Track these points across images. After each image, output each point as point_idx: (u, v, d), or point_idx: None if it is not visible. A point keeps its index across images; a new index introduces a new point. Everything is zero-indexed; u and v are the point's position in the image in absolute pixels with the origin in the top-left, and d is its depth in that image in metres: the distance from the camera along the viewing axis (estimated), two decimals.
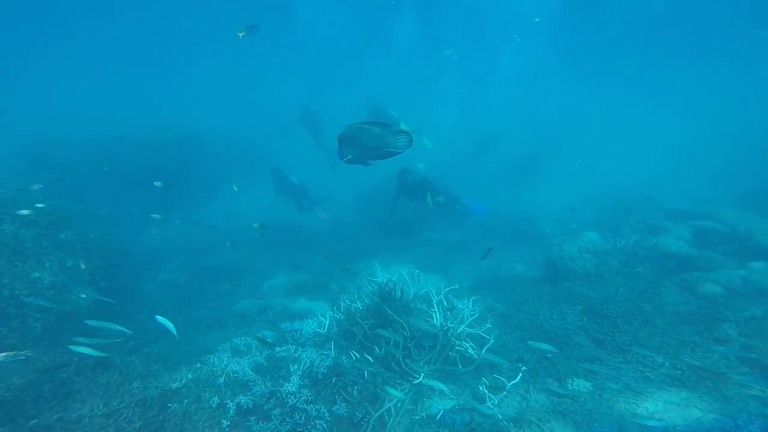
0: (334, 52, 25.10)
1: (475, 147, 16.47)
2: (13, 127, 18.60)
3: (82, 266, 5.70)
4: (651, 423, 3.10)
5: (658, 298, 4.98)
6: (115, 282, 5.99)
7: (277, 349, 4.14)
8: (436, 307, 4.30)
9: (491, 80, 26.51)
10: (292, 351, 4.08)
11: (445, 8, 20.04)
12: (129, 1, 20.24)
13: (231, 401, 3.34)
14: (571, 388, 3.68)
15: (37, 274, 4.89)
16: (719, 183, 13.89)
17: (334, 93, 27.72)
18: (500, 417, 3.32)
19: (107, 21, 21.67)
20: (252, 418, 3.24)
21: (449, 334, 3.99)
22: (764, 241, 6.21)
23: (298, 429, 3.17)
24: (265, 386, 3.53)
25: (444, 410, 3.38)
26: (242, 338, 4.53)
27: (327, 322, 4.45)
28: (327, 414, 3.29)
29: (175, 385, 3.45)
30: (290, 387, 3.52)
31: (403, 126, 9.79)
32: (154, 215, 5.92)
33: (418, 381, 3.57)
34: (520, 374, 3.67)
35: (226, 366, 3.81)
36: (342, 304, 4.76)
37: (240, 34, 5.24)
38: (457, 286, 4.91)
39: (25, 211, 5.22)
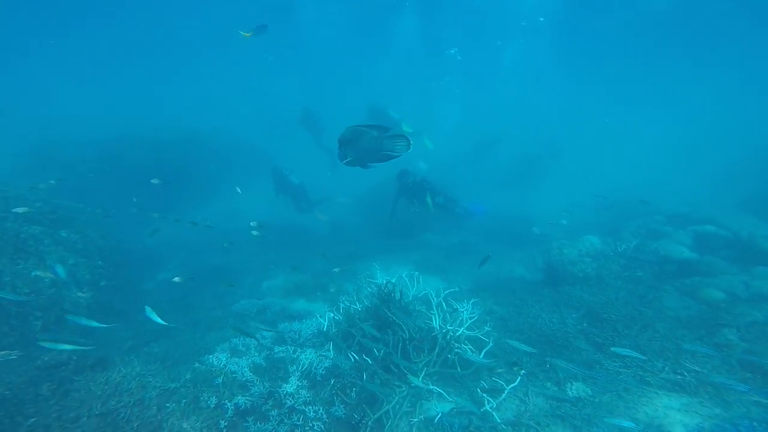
0: (336, 51, 25.17)
1: (475, 149, 16.49)
2: (14, 127, 18.72)
3: (83, 265, 5.72)
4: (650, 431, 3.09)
5: (658, 303, 4.97)
6: (115, 281, 6.01)
7: (276, 349, 4.14)
8: (435, 309, 4.29)
9: (493, 80, 26.55)
10: (291, 352, 4.08)
11: (447, 8, 20.09)
12: (129, 1, 20.36)
13: (229, 401, 3.33)
14: (570, 392, 3.66)
15: (38, 273, 4.90)
16: (718, 187, 13.86)
17: (335, 92, 27.77)
18: (498, 420, 3.31)
19: (107, 21, 21.80)
20: (250, 419, 3.24)
21: (448, 337, 3.98)
22: (767, 246, 6.19)
23: (296, 430, 3.17)
24: (264, 387, 3.53)
25: (442, 413, 3.37)
26: (241, 338, 4.53)
27: (326, 323, 4.45)
28: (325, 415, 3.29)
29: (173, 385, 3.45)
30: (288, 388, 3.52)
31: (404, 127, 9.81)
32: (153, 214, 5.95)
33: (416, 383, 3.56)
34: (519, 378, 3.66)
35: (225, 366, 3.81)
36: (341, 306, 4.76)
37: (246, 35, 5.24)
38: (457, 289, 4.90)
39: (21, 209, 5.25)
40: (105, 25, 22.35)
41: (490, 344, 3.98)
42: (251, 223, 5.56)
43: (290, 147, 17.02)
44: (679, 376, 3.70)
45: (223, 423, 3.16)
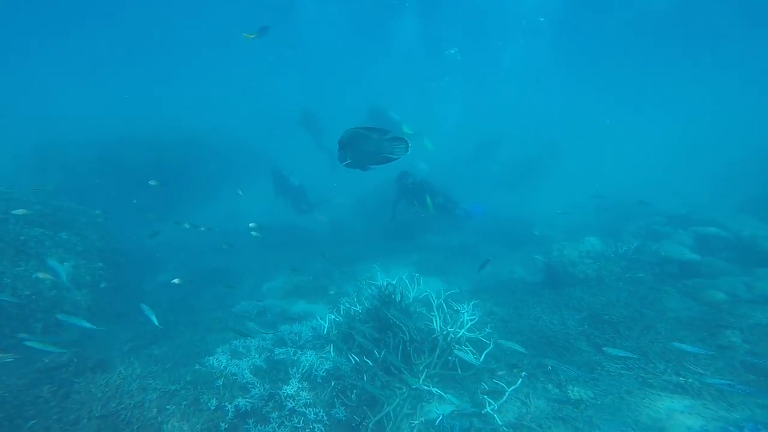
0: (336, 51, 25.19)
1: (476, 151, 16.50)
2: (14, 128, 18.76)
3: (83, 267, 5.72)
4: None
5: (659, 304, 4.95)
6: (115, 282, 6.01)
7: (276, 351, 4.13)
8: (435, 311, 4.28)
9: (493, 81, 26.56)
10: (291, 353, 4.07)
11: (447, 8, 20.12)
12: (129, 1, 20.41)
13: (229, 403, 3.33)
14: (571, 394, 3.65)
15: (38, 275, 4.90)
16: (719, 188, 13.83)
17: (335, 93, 27.81)
18: (500, 422, 3.29)
19: (107, 20, 21.85)
20: (250, 421, 3.23)
21: (449, 339, 3.97)
22: None
23: None
24: (264, 389, 3.52)
25: (443, 415, 3.36)
26: (241, 340, 4.52)
27: (326, 325, 4.45)
28: (325, 417, 3.28)
29: (173, 387, 3.45)
30: (289, 390, 3.51)
31: (405, 128, 9.82)
32: (149, 215, 5.95)
33: (417, 385, 3.55)
34: (520, 380, 3.64)
35: (225, 368, 3.80)
36: (342, 307, 4.75)
37: (249, 37, 5.25)
38: (457, 290, 4.90)
39: (20, 211, 5.25)
40: (105, 25, 22.42)
41: (491, 346, 3.97)
42: (250, 225, 5.56)
43: (290, 147, 17.03)
44: (681, 378, 3.69)
45: (223, 425, 3.15)
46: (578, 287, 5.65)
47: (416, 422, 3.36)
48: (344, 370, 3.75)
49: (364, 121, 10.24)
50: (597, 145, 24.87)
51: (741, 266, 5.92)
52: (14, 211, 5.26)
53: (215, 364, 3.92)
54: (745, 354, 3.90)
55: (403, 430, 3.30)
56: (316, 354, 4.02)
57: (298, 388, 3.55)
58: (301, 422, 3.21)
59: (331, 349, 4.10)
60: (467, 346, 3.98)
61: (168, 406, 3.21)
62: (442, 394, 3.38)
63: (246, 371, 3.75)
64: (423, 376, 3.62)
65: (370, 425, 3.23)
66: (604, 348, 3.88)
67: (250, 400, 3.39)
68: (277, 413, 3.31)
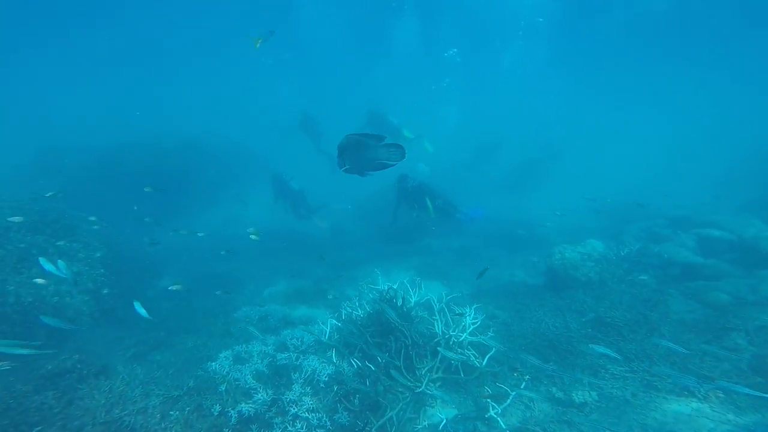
0: (335, 54, 25.36)
1: (476, 154, 16.55)
2: (14, 134, 18.90)
3: (85, 273, 5.74)
4: None
5: (663, 307, 4.93)
6: (117, 288, 6.01)
7: (279, 356, 4.12)
8: (437, 314, 4.28)
9: (493, 82, 26.67)
10: (294, 359, 4.06)
11: (445, 10, 20.28)
12: (129, 3, 20.64)
13: (232, 409, 3.32)
14: (576, 397, 3.62)
15: (37, 280, 4.92)
16: (721, 189, 13.82)
17: (334, 96, 27.95)
18: (504, 426, 3.27)
19: (106, 22, 22.04)
20: (253, 427, 3.22)
21: (451, 342, 3.96)
22: None
23: None
24: (267, 394, 3.51)
25: (446, 419, 3.34)
26: (243, 345, 4.51)
27: (328, 330, 4.44)
28: (328, 422, 3.27)
29: (176, 393, 3.44)
30: (292, 395, 3.50)
31: (405, 133, 9.86)
32: (147, 219, 5.98)
33: (420, 389, 3.53)
34: (524, 383, 3.63)
35: (228, 373, 3.79)
36: (343, 312, 4.75)
37: (257, 41, 5.28)
38: (459, 294, 4.89)
39: (16, 218, 5.29)
40: (102, 29, 22.64)
41: (493, 350, 3.96)
42: (248, 230, 5.58)
43: (289, 151, 17.09)
44: (704, 384, 3.64)
45: (226, 431, 3.14)
46: (580, 290, 5.64)
47: (419, 426, 3.35)
48: (347, 375, 3.74)
49: (363, 125, 10.29)
50: (597, 147, 24.90)
51: (744, 268, 5.89)
52: (11, 218, 5.29)
53: (218, 370, 3.91)
54: (752, 356, 3.87)
55: None
56: (318, 359, 4.01)
57: (301, 393, 3.54)
58: (304, 427, 3.20)
59: (333, 353, 4.09)
60: (470, 350, 3.97)
61: (171, 412, 3.21)
62: (446, 398, 3.36)
63: (249, 376, 3.75)
64: (426, 381, 3.61)
65: (373, 430, 3.21)
66: (589, 344, 3.87)
67: (253, 406, 3.38)
68: (280, 418, 3.30)
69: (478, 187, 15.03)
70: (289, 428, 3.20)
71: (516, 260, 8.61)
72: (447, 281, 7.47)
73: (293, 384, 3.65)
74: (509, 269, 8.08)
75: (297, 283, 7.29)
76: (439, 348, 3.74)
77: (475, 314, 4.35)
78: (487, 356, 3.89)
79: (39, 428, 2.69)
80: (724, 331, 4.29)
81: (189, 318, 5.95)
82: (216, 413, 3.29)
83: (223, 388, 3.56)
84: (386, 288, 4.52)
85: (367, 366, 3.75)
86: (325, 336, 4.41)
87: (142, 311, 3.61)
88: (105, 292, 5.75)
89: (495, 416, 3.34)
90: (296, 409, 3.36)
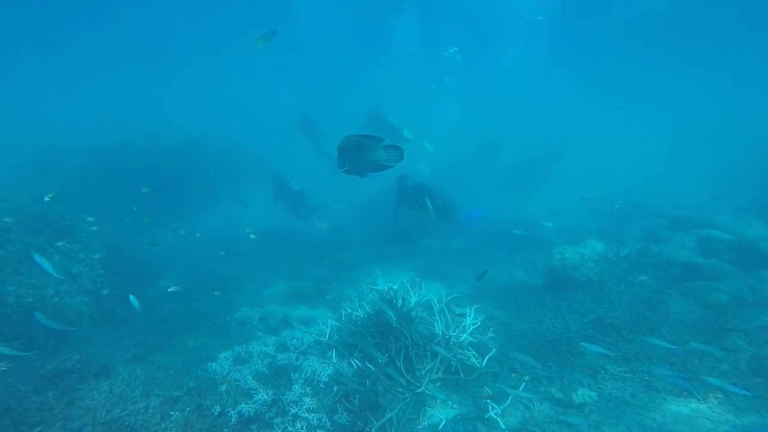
0: (334, 53, 25.35)
1: (475, 155, 16.56)
2: (14, 135, 18.90)
3: (85, 274, 5.75)
4: None
5: (663, 307, 4.93)
6: (117, 289, 6.02)
7: (279, 356, 4.13)
8: (437, 315, 4.28)
9: (493, 81, 26.64)
10: (294, 359, 4.07)
11: (445, 9, 20.27)
12: (129, 3, 20.64)
13: (233, 409, 3.32)
14: (575, 398, 3.62)
15: (33, 281, 4.93)
16: (721, 189, 13.82)
17: (334, 95, 27.93)
18: (503, 427, 3.27)
19: (105, 22, 22.07)
20: (254, 427, 3.22)
21: (451, 343, 3.97)
22: None
23: None
24: (267, 394, 3.51)
25: (446, 420, 3.35)
26: (243, 346, 4.52)
27: (328, 330, 4.44)
28: (328, 423, 3.27)
29: (176, 393, 3.45)
30: (292, 395, 3.51)
31: (405, 133, 9.87)
32: (146, 220, 6.00)
33: (420, 390, 3.54)
34: (523, 383, 3.63)
35: (228, 374, 3.80)
36: (344, 312, 4.75)
37: (259, 42, 5.30)
38: (459, 294, 4.89)
39: (8, 219, 5.30)
40: (103, 29, 22.67)
41: (493, 350, 3.96)
42: (247, 230, 5.59)
43: (289, 151, 17.09)
44: (687, 382, 3.66)
45: (226, 431, 3.14)
46: (580, 290, 5.64)
47: (419, 427, 3.35)
48: (347, 375, 3.74)
49: (362, 126, 10.30)
50: (597, 147, 24.88)
51: (744, 268, 5.89)
52: (6, 218, 5.30)
53: (218, 370, 3.92)
54: (751, 357, 3.87)
55: None
56: (318, 359, 4.02)
57: (301, 393, 3.54)
58: (304, 428, 3.21)
59: (334, 354, 4.10)
60: (470, 350, 3.97)
61: (171, 413, 3.21)
62: (445, 398, 3.37)
63: (249, 377, 3.75)
64: (426, 381, 3.61)
65: (373, 430, 3.21)
66: (581, 343, 3.88)
67: (253, 406, 3.39)
68: (280, 419, 3.30)
69: (478, 187, 15.04)
70: (289, 428, 3.20)
71: (516, 261, 8.62)
72: (447, 282, 7.47)
73: (293, 384, 3.65)
74: (509, 270, 8.09)
75: (297, 284, 7.30)
76: (434, 346, 3.74)
77: (475, 315, 4.36)
78: (487, 357, 3.90)
79: (39, 428, 2.70)
80: (723, 332, 4.29)
81: (189, 318, 5.96)
82: (216, 413, 3.29)
83: (224, 389, 3.56)
84: (386, 288, 4.53)
85: (367, 366, 3.76)
86: (325, 336, 4.41)
87: (136, 304, 3.63)
88: (105, 292, 5.76)
89: (495, 417, 3.34)
90: (296, 410, 3.36)
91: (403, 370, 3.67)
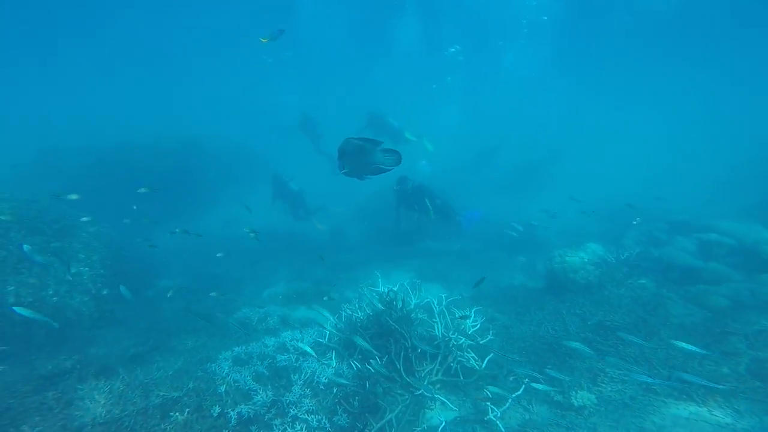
0: (336, 53, 25.34)
1: (476, 158, 16.59)
2: (14, 135, 18.91)
3: (85, 274, 5.75)
4: None
5: (663, 311, 4.93)
6: (116, 289, 6.01)
7: (279, 357, 4.13)
8: (437, 317, 4.28)
9: (495, 81, 26.65)
10: (293, 360, 4.07)
11: (447, 9, 20.29)
12: (129, 3, 20.68)
13: (232, 410, 3.32)
14: (574, 400, 3.62)
15: (30, 280, 4.93)
16: (722, 193, 13.83)
17: (335, 95, 27.93)
18: (503, 429, 3.27)
19: (106, 22, 22.11)
20: (253, 428, 3.22)
21: (451, 345, 3.97)
22: None
23: None
24: (267, 395, 3.51)
25: (446, 422, 3.34)
26: (243, 347, 4.52)
27: (327, 332, 4.44)
28: (328, 424, 3.27)
29: (176, 394, 3.45)
30: (291, 397, 3.51)
31: (407, 135, 9.90)
32: (144, 220, 6.01)
33: (420, 392, 3.54)
34: (523, 386, 3.63)
35: (228, 375, 3.80)
36: (343, 314, 4.75)
37: (264, 41, 5.33)
38: (458, 297, 4.89)
39: (8, 218, 5.31)
40: (103, 29, 22.71)
41: (491, 354, 3.96)
42: (245, 229, 5.60)
43: (290, 152, 17.11)
44: (686, 385, 3.65)
45: None
46: (580, 293, 5.64)
47: (418, 429, 3.35)
48: (346, 377, 3.74)
49: (362, 127, 10.32)
50: (599, 148, 24.86)
51: (745, 272, 5.90)
52: (6, 218, 5.31)
53: (218, 371, 3.92)
54: (751, 361, 3.87)
55: None
56: (318, 360, 4.02)
57: (301, 394, 3.54)
58: (303, 429, 3.21)
59: (333, 355, 4.10)
60: (469, 353, 3.97)
61: (171, 413, 3.21)
62: (445, 400, 3.37)
63: (248, 378, 3.75)
64: (425, 383, 3.61)
65: None
66: (563, 341, 3.89)
67: (252, 407, 3.39)
68: (279, 420, 3.30)
69: (479, 189, 15.05)
70: (289, 430, 3.20)
71: (516, 263, 8.61)
72: (447, 284, 7.47)
73: (293, 385, 3.65)
74: (509, 272, 8.09)
75: (297, 285, 7.30)
76: (413, 340, 3.74)
77: (474, 317, 4.36)
78: (486, 359, 3.90)
79: (39, 429, 2.70)
80: (723, 335, 4.29)
81: (189, 319, 5.95)
82: (216, 414, 3.29)
83: (223, 389, 3.56)
84: (386, 290, 4.53)
85: (367, 368, 3.76)
86: (324, 338, 4.41)
87: (127, 294, 3.64)
88: (105, 292, 5.76)
89: (494, 419, 3.34)
90: (296, 411, 3.36)
91: (403, 372, 3.67)
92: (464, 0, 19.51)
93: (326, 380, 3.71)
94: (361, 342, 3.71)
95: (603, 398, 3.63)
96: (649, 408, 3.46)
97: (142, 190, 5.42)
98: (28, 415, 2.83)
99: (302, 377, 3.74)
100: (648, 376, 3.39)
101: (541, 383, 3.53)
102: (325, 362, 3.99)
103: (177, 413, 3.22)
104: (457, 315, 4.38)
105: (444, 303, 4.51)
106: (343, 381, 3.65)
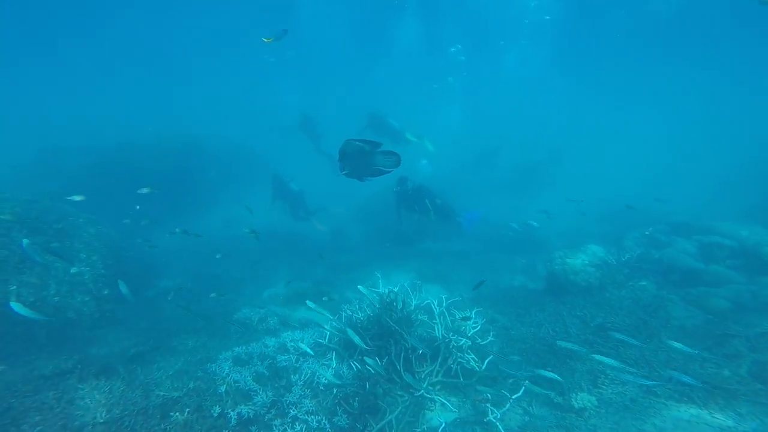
0: (337, 52, 25.33)
1: (476, 159, 16.60)
2: (14, 135, 18.93)
3: (86, 274, 5.76)
4: None
5: (663, 312, 4.92)
6: (117, 289, 6.01)
7: (279, 358, 4.13)
8: (437, 318, 4.28)
9: (496, 81, 26.62)
10: (294, 361, 4.07)
11: (448, 9, 20.28)
12: (129, 3, 20.69)
13: (232, 411, 3.32)
14: (574, 402, 3.62)
15: (30, 279, 4.93)
16: (723, 194, 13.80)
17: (336, 95, 27.91)
18: (503, 431, 3.27)
19: (106, 22, 22.11)
20: (253, 428, 3.22)
21: (451, 346, 3.97)
22: None
23: None
24: (267, 396, 3.52)
25: (445, 423, 3.34)
26: (243, 347, 4.52)
27: (328, 333, 4.44)
28: (328, 425, 3.27)
29: (176, 394, 3.45)
30: (291, 397, 3.51)
31: (408, 136, 9.90)
32: (143, 221, 6.01)
33: (420, 393, 3.54)
34: (523, 388, 3.62)
35: (228, 375, 3.80)
36: (343, 315, 4.75)
37: (267, 40, 5.34)
38: (459, 298, 4.89)
39: (9, 219, 5.32)
40: (103, 29, 22.72)
41: (491, 355, 3.96)
42: (245, 230, 5.60)
43: (290, 152, 17.11)
44: (687, 387, 3.65)
45: None
46: (581, 295, 5.64)
47: (418, 430, 3.35)
48: (346, 377, 3.74)
49: (363, 128, 10.33)
50: (600, 149, 24.83)
51: (746, 274, 5.88)
52: (7, 218, 5.31)
53: (218, 371, 3.92)
54: (752, 363, 3.86)
55: None
56: (318, 361, 4.02)
57: (301, 395, 3.54)
58: (303, 430, 3.21)
59: (333, 356, 4.10)
60: (470, 354, 3.97)
61: (171, 413, 3.21)
62: (445, 401, 3.36)
63: (249, 378, 3.75)
64: (425, 384, 3.61)
65: None
66: (557, 341, 3.89)
67: (252, 408, 3.39)
68: (279, 420, 3.30)
69: (480, 189, 15.04)
70: (289, 430, 3.20)
71: (516, 264, 8.61)
72: (447, 285, 7.47)
73: (293, 386, 3.65)
74: (509, 273, 8.08)
75: (297, 285, 7.29)
76: (405, 335, 3.74)
77: (475, 318, 4.36)
78: (486, 360, 3.90)
79: (40, 428, 2.70)
80: (724, 338, 4.28)
81: (189, 319, 5.95)
82: (216, 414, 3.29)
83: (223, 390, 3.56)
84: (386, 291, 4.53)
85: (367, 369, 3.75)
86: (325, 338, 4.41)
87: (125, 290, 3.64)
88: (105, 292, 5.77)
89: (494, 421, 3.34)
90: (296, 411, 3.36)
91: (403, 373, 3.67)
92: (465, 0, 19.50)
93: (326, 381, 3.71)
94: (352, 334, 3.71)
95: (603, 400, 3.63)
96: (650, 410, 3.45)
97: (144, 190, 5.42)
98: (28, 415, 2.83)
99: (302, 378, 3.75)
100: (632, 375, 3.40)
101: (539, 386, 3.53)
102: (325, 363, 3.99)
103: (177, 413, 3.22)
104: (457, 316, 4.37)
105: (444, 304, 4.51)
106: (343, 382, 3.65)
